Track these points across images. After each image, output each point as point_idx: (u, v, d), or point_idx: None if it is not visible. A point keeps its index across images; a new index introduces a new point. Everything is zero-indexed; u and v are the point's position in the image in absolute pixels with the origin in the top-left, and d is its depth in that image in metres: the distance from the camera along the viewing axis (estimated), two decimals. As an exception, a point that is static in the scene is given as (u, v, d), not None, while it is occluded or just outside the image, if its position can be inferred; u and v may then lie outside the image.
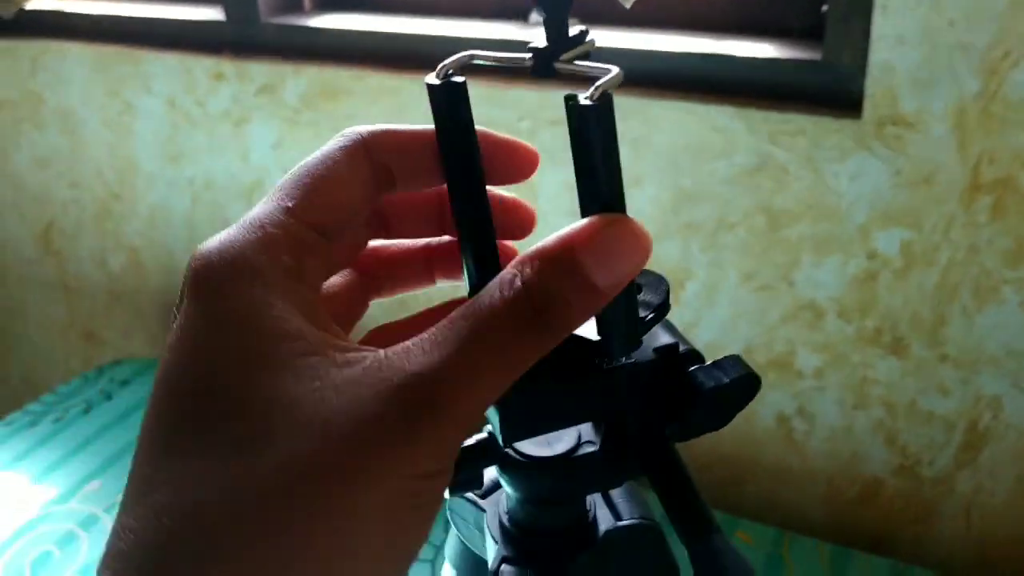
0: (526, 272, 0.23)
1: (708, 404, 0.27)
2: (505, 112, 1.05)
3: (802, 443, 1.06)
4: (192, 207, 1.37)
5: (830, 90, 0.92)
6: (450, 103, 0.28)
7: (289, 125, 1.22)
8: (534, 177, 0.30)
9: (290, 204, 0.26)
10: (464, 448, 0.31)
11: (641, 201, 1.01)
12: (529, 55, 0.27)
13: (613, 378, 0.28)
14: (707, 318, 1.04)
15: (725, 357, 0.28)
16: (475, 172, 0.29)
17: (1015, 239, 0.87)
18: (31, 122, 1.46)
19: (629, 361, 0.28)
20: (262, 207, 0.27)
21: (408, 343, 0.24)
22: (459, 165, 0.29)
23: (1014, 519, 1.00)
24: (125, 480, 0.25)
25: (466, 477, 0.31)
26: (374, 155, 0.28)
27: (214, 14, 1.30)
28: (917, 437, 1.00)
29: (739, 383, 0.27)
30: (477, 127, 0.29)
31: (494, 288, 0.23)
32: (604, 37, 1.06)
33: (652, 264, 0.27)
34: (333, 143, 0.28)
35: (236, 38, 1.27)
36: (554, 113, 1.03)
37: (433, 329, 0.24)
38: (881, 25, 0.84)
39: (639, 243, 0.24)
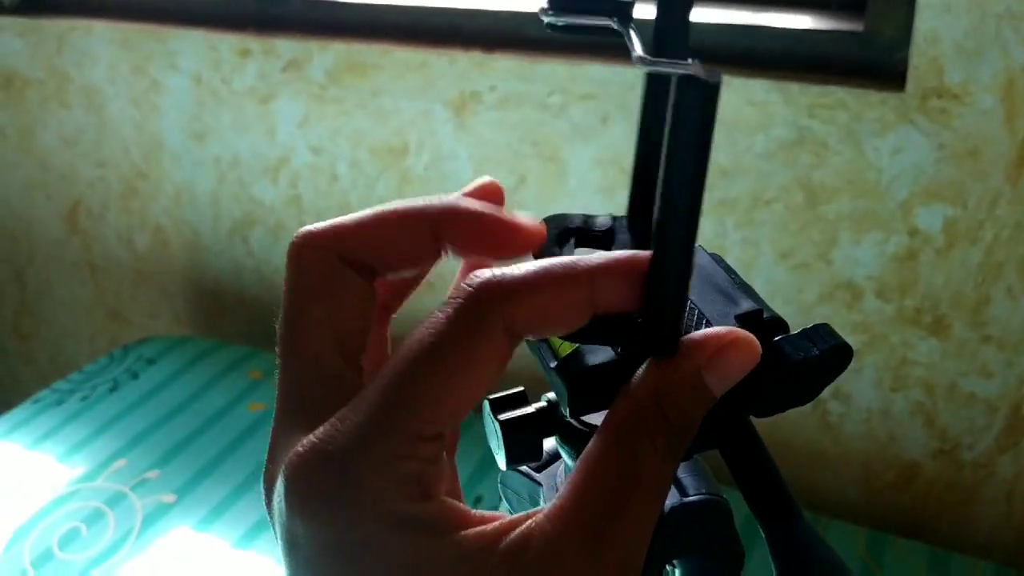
0: (672, 415, 0.24)
1: (795, 377, 0.25)
2: (534, 87, 1.03)
3: (837, 425, 1.04)
4: (218, 185, 1.36)
5: (872, 62, 0.89)
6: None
7: (315, 102, 1.21)
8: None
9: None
10: (523, 417, 0.29)
11: (674, 177, 0.99)
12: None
13: None
14: (741, 297, 1.02)
15: (814, 326, 0.25)
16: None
17: (1064, 215, 0.84)
18: (57, 101, 1.46)
19: None
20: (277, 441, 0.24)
21: (563, 505, 0.23)
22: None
23: (1057, 505, 0.98)
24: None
25: (525, 449, 0.29)
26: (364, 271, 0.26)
27: (240, -10, 1.29)
28: (957, 420, 0.98)
29: (830, 354, 0.24)
30: (474, 206, 0.25)
31: (640, 430, 0.24)
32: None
33: None
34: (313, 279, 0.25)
35: (262, 14, 1.25)
36: (585, 87, 1.01)
37: (580, 486, 0.23)
38: (927, -7, 0.81)
39: (752, 358, 0.24)
